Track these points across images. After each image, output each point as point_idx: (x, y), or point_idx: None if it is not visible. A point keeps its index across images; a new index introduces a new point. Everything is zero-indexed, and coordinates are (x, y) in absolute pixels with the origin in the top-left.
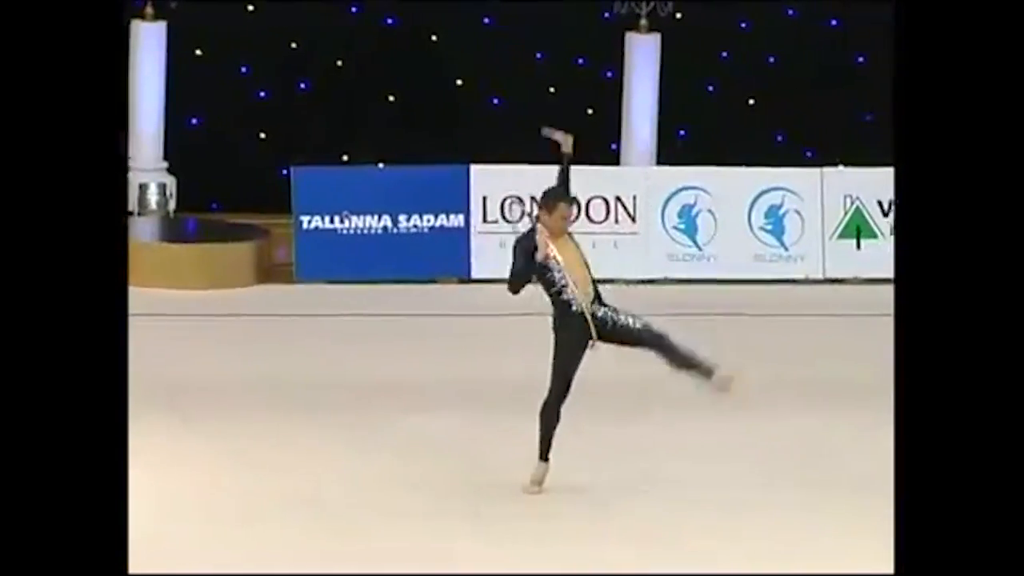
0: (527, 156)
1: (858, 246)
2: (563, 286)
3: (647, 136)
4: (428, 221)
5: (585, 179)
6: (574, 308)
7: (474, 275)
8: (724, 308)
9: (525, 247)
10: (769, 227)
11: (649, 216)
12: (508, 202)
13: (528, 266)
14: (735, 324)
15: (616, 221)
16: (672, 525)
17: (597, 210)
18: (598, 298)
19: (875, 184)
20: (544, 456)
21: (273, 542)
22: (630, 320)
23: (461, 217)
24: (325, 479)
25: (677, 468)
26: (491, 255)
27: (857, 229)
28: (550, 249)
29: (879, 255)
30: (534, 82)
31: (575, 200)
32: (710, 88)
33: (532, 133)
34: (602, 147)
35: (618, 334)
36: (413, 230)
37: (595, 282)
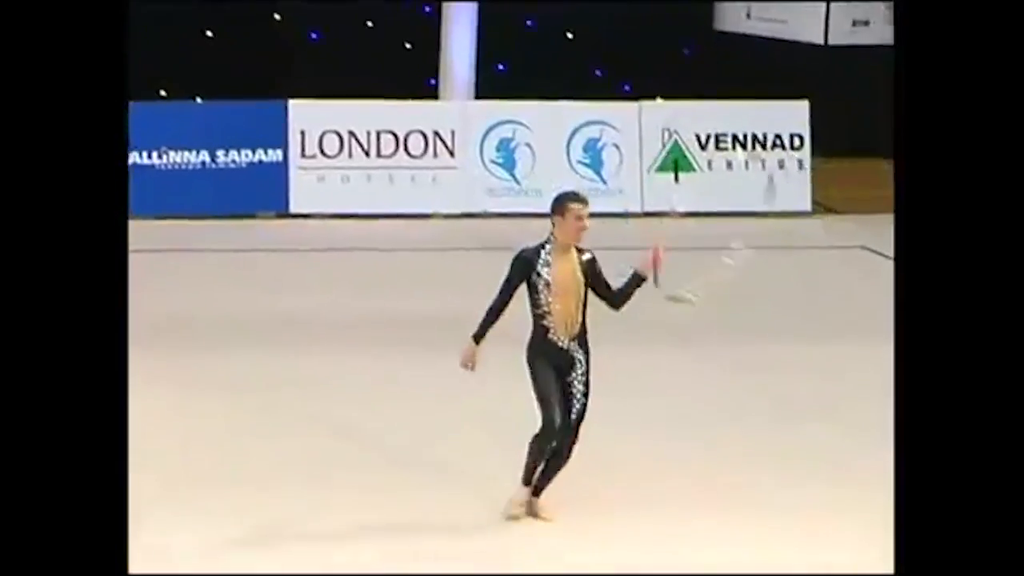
0: (345, 91)
1: (676, 179)
2: (546, 311)
3: (465, 71)
4: (246, 156)
5: (403, 114)
6: (551, 336)
7: (292, 210)
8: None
9: (522, 268)
10: (587, 161)
11: (468, 150)
12: (326, 136)
13: (507, 292)
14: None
15: (435, 155)
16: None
17: (416, 145)
18: (579, 339)
19: (693, 117)
20: (527, 481)
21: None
22: (580, 394)
23: (279, 152)
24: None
25: None
26: (309, 190)
27: (675, 163)
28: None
29: (697, 188)
30: (352, 17)
31: (585, 200)
32: (528, 23)
33: (350, 68)
34: (420, 82)
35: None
36: (231, 165)
37: (584, 321)
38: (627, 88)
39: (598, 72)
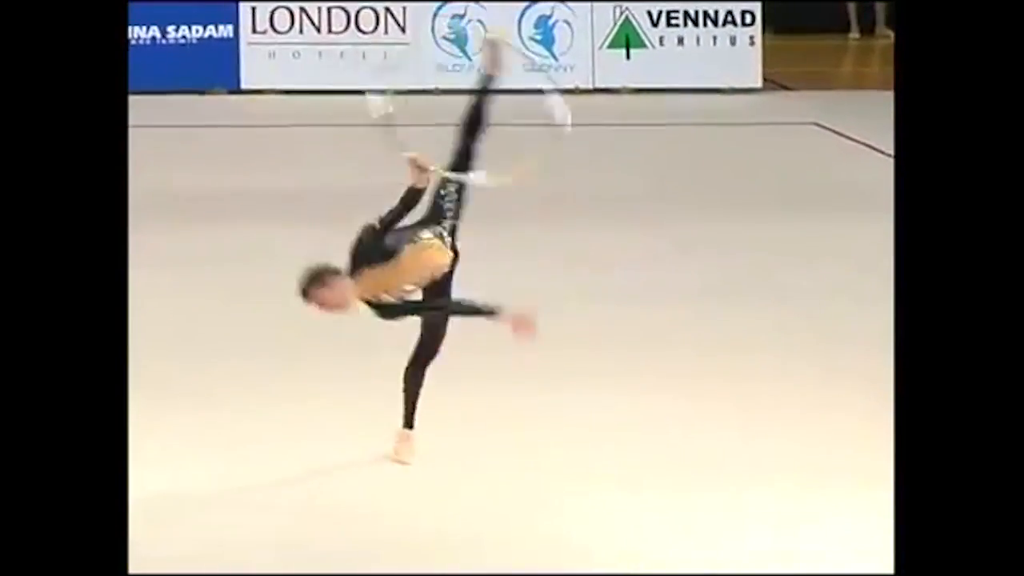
0: None
1: (627, 56)
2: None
3: None
4: (197, 32)
5: None
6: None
7: (243, 86)
8: (494, 118)
9: None
10: (539, 37)
11: (419, 26)
12: (277, 12)
13: None
14: (506, 134)
15: (386, 32)
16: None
17: (367, 20)
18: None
19: None
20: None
21: None
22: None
23: (230, 28)
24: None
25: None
26: (260, 66)
27: (626, 39)
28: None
29: (648, 65)
30: None
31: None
32: None
33: None
34: None
35: None
36: (182, 41)
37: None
38: None
39: None
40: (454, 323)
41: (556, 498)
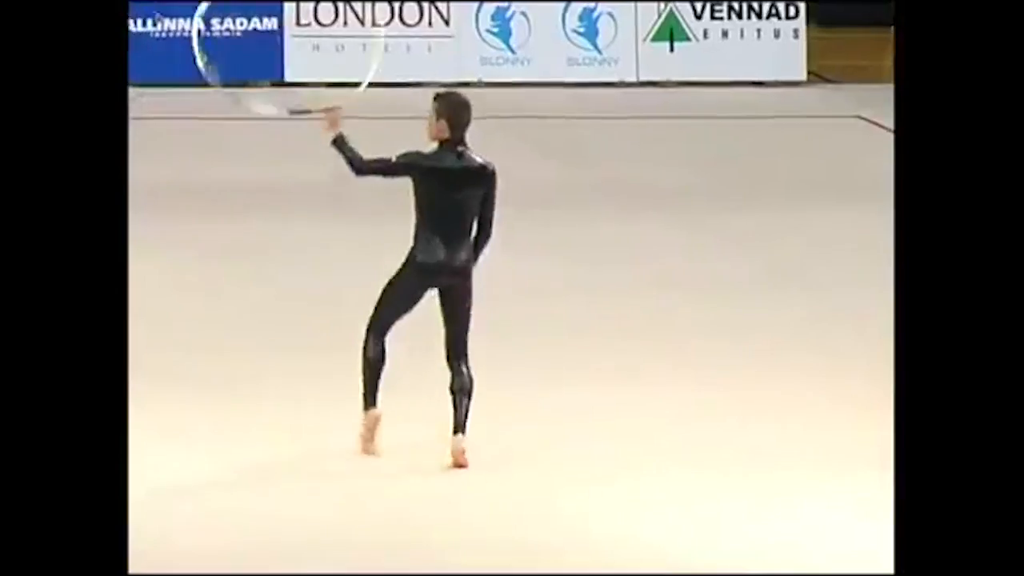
0: None
1: (671, 49)
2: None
3: None
4: (241, 24)
5: None
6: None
7: (287, 78)
8: (538, 111)
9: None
10: (583, 30)
11: (463, 19)
12: (321, 5)
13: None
14: (549, 127)
15: (430, 24)
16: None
17: (411, 13)
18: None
19: None
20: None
21: None
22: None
23: (275, 20)
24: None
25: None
26: (304, 58)
27: (670, 32)
28: None
29: (692, 57)
30: None
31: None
32: None
33: None
34: None
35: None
36: (226, 33)
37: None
38: None
39: None
40: (478, 319)
41: (556, 494)
